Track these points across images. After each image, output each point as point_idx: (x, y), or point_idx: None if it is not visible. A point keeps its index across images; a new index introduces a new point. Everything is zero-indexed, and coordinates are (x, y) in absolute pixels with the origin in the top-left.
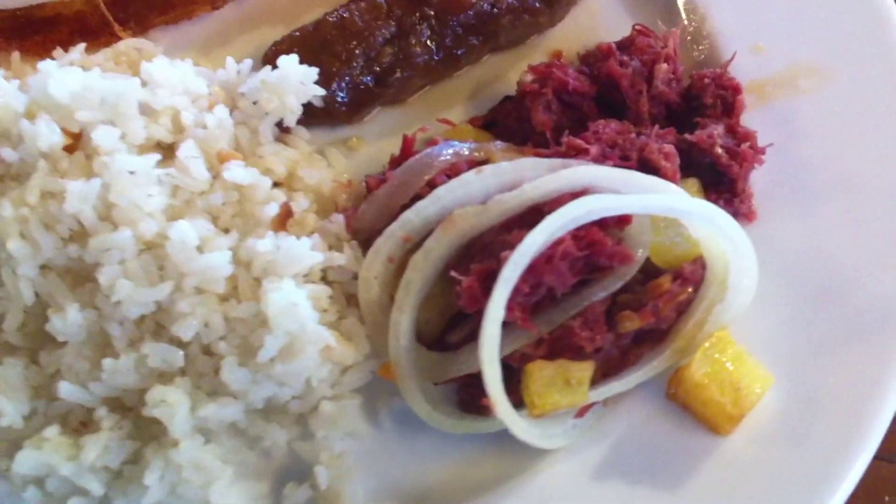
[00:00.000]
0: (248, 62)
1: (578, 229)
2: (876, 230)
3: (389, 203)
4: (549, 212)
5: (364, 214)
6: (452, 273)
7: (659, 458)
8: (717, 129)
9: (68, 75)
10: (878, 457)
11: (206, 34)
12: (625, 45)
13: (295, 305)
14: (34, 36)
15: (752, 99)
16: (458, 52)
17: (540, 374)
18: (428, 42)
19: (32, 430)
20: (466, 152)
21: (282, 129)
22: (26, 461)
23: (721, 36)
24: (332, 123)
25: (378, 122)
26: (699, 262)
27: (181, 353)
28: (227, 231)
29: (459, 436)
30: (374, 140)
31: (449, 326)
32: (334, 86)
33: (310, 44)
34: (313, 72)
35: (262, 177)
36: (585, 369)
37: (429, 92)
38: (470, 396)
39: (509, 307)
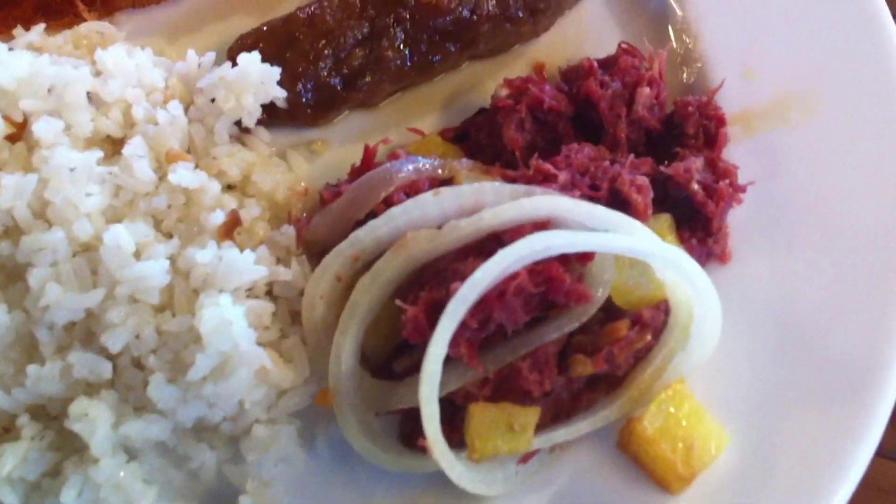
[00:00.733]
0: (211, 55)
1: (536, 263)
2: (851, 280)
3: (343, 218)
4: (508, 241)
5: (316, 228)
6: (398, 302)
7: None
8: (696, 163)
9: (16, 59)
10: None
11: (174, 20)
12: (608, 64)
13: (230, 323)
14: None
15: (738, 129)
16: (434, 59)
17: (482, 416)
18: (401, 46)
19: None
20: (428, 168)
21: (241, 128)
22: None
23: (711, 59)
24: (295, 124)
25: (345, 125)
26: (662, 307)
27: (109, 364)
28: (169, 236)
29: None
30: (340, 144)
31: (396, 352)
32: (299, 86)
33: (277, 39)
34: (275, 71)
35: (210, 180)
36: (531, 415)
37: (401, 97)
38: (411, 431)
39: (455, 342)
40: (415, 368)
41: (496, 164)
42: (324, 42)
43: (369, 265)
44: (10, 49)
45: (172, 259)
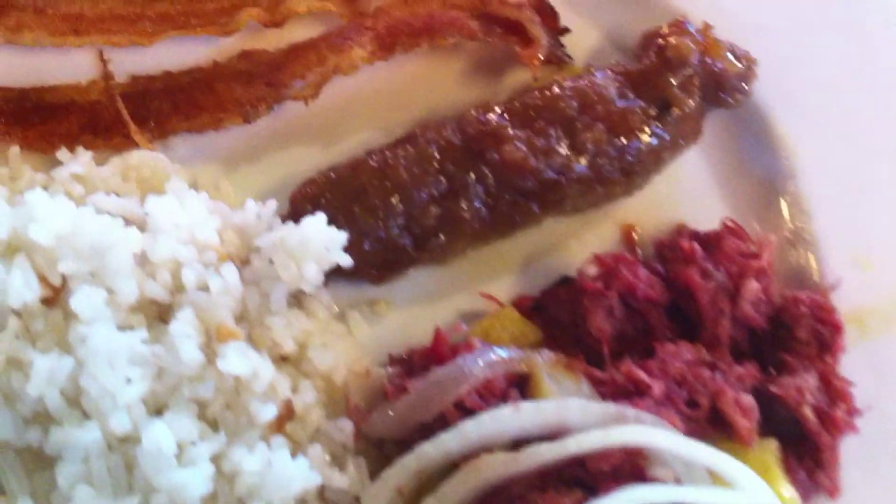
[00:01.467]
0: (272, 204)
1: None
2: None
3: (407, 418)
4: (594, 470)
5: (376, 424)
6: None
7: None
8: (808, 382)
9: (56, 212)
10: None
11: (232, 146)
12: (709, 243)
13: None
14: (40, 125)
15: (851, 331)
16: (514, 218)
17: None
18: (480, 205)
19: None
20: (506, 360)
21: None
22: None
23: (824, 241)
24: (357, 281)
25: (411, 283)
26: None
27: None
28: (214, 425)
29: None
30: (406, 305)
31: None
32: (366, 244)
33: (344, 189)
34: (341, 237)
35: (263, 361)
36: None
37: (474, 252)
38: None
39: None
40: None
41: (578, 347)
42: (396, 197)
43: (434, 476)
44: (50, 191)
45: (217, 458)
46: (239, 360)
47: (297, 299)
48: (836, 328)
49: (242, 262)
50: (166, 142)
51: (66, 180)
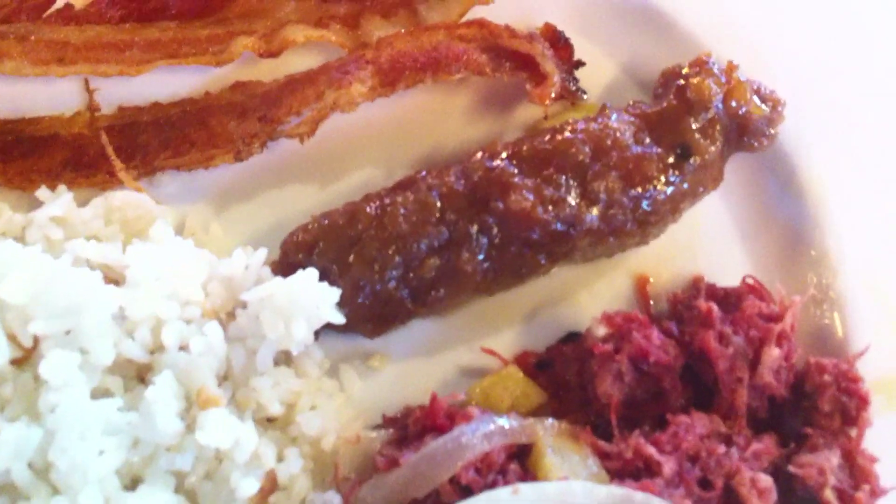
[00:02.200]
0: (262, 254)
1: None
2: None
3: (398, 494)
4: None
5: (365, 499)
6: None
7: None
8: (831, 461)
9: (29, 268)
10: None
11: (223, 184)
12: (728, 302)
13: None
14: (20, 159)
15: (878, 400)
16: (519, 271)
17: None
18: (483, 257)
19: None
20: (506, 431)
21: None
22: None
23: (851, 302)
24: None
25: (408, 335)
26: None
27: None
28: (193, 497)
29: None
30: (402, 358)
31: None
32: (360, 296)
33: (339, 237)
34: (334, 295)
35: (246, 432)
36: None
37: (475, 302)
38: None
39: None
40: None
41: (584, 410)
42: (394, 248)
43: None
44: (27, 234)
45: None
46: (220, 430)
47: (286, 354)
48: (861, 400)
49: (227, 317)
50: (153, 178)
51: (45, 223)
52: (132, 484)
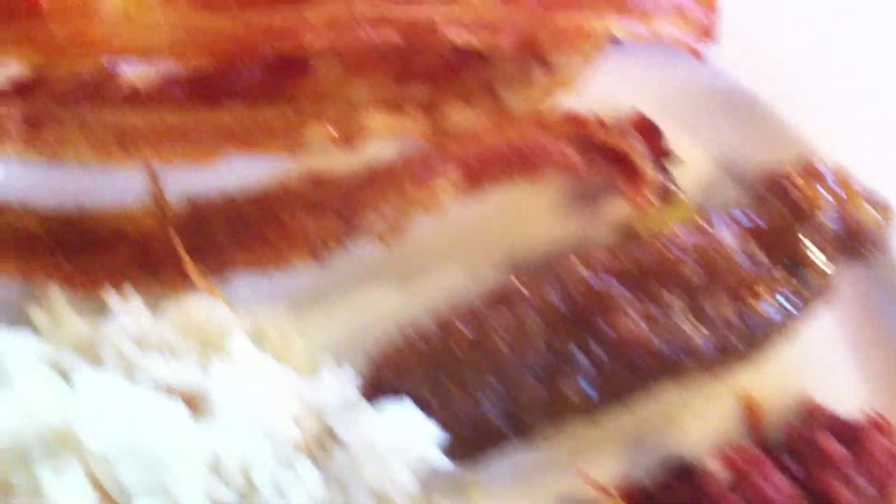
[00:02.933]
0: (351, 375)
1: None
2: None
3: None
4: None
5: None
6: None
7: None
8: None
9: (111, 405)
10: None
11: (297, 282)
12: (846, 434)
13: None
14: (83, 258)
15: None
16: (624, 396)
17: None
18: (586, 384)
19: None
20: None
21: None
22: None
23: None
24: None
25: (503, 460)
26: None
27: None
28: None
29: None
30: (497, 487)
31: None
32: (457, 424)
33: (432, 359)
34: (435, 433)
35: None
36: None
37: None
38: None
39: None
40: None
41: None
42: (492, 372)
43: None
44: (99, 350)
45: None
46: None
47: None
48: None
49: (317, 446)
50: (224, 278)
51: (117, 338)
52: None
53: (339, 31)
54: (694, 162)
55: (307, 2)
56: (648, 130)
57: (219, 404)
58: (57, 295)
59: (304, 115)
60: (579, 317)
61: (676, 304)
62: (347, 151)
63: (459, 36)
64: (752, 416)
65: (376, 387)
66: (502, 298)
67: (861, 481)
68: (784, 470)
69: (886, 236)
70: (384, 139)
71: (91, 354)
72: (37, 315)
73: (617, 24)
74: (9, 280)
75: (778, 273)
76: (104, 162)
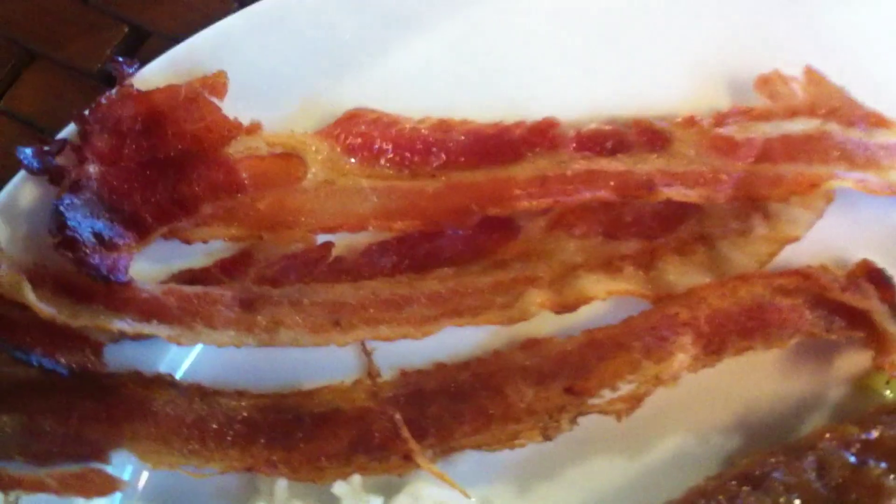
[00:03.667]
0: None
1: None
2: None
3: None
4: None
5: None
6: None
7: None
8: None
9: None
10: None
11: (520, 458)
12: None
13: None
14: (304, 443)
15: None
16: None
17: None
18: None
19: None
20: None
21: None
22: None
23: None
24: None
25: None
26: None
27: None
28: None
29: None
30: None
31: None
32: None
33: None
34: None
35: None
36: None
37: None
38: None
39: None
40: None
41: None
42: None
43: None
44: None
45: None
46: None
47: None
48: None
49: None
50: (449, 457)
51: None
52: None
53: (548, 188)
54: None
55: (515, 160)
56: (879, 280)
57: None
58: (282, 491)
59: (516, 280)
60: (841, 500)
61: None
62: (563, 315)
63: (675, 190)
64: None
65: None
66: (753, 477)
67: None
68: None
69: None
70: (601, 300)
71: None
72: None
73: (848, 175)
74: (231, 472)
75: None
76: (319, 343)
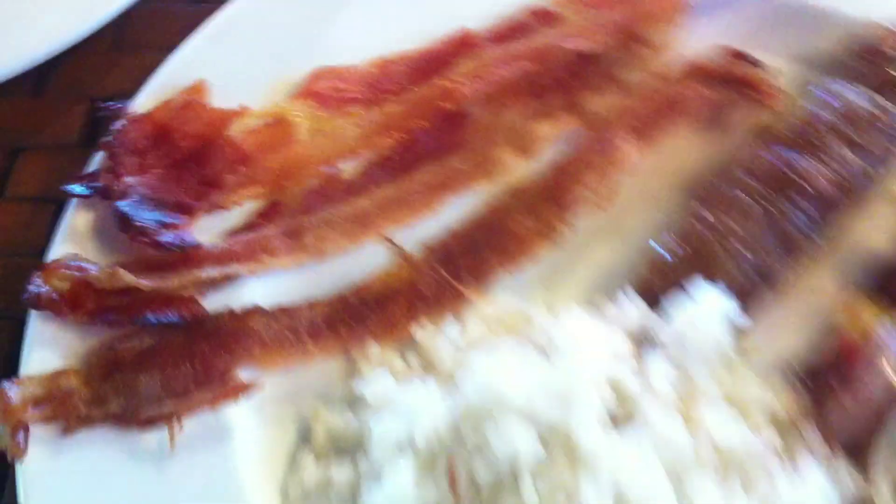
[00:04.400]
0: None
1: None
2: None
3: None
4: None
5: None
6: None
7: None
8: None
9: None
10: None
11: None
12: None
13: None
14: (373, 318)
15: None
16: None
17: None
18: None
19: None
20: None
21: None
22: None
23: None
24: None
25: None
26: None
27: None
28: None
29: None
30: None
31: None
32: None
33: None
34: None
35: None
36: None
37: None
38: None
39: None
40: None
41: None
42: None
43: None
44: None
45: None
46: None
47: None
48: None
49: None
50: (487, 286)
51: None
52: None
53: (480, 78)
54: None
55: (448, 67)
56: (742, 56)
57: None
58: (375, 352)
59: (484, 148)
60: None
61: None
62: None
63: (577, 43)
64: None
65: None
66: (705, 196)
67: None
68: None
69: None
70: (551, 143)
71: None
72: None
73: None
74: (329, 357)
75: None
76: (357, 246)
